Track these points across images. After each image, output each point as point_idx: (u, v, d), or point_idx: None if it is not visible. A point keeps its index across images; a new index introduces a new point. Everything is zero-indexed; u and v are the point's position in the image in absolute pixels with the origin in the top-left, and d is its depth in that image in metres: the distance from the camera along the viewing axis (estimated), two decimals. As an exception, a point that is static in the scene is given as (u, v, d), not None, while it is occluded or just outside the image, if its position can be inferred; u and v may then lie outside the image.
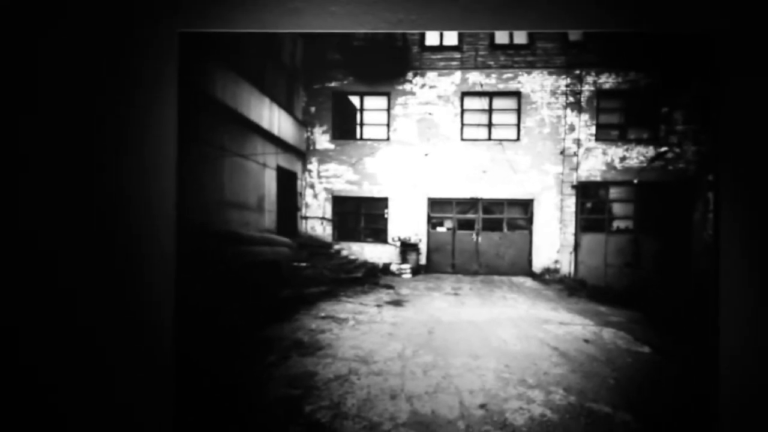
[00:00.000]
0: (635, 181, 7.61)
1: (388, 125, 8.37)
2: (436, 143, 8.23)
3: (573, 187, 7.89)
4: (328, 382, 3.70)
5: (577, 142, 7.93)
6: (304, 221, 8.28)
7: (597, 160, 7.82)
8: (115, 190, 2.55)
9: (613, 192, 7.77)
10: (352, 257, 8.13)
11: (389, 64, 8.34)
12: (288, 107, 8.00)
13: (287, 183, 7.88)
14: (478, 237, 7.98)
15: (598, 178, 7.80)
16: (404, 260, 8.06)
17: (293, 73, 8.29)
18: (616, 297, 6.89)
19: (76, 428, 2.57)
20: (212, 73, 5.49)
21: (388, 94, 8.41)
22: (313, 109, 8.49)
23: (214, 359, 3.84)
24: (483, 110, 8.25)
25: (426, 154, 8.23)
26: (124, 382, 2.55)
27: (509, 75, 8.18)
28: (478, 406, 3.35)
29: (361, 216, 8.38)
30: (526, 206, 8.09)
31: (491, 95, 8.23)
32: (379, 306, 6.11)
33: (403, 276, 7.88)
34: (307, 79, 8.49)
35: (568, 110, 7.98)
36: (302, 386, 3.61)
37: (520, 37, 8.18)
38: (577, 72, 7.94)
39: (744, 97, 2.42)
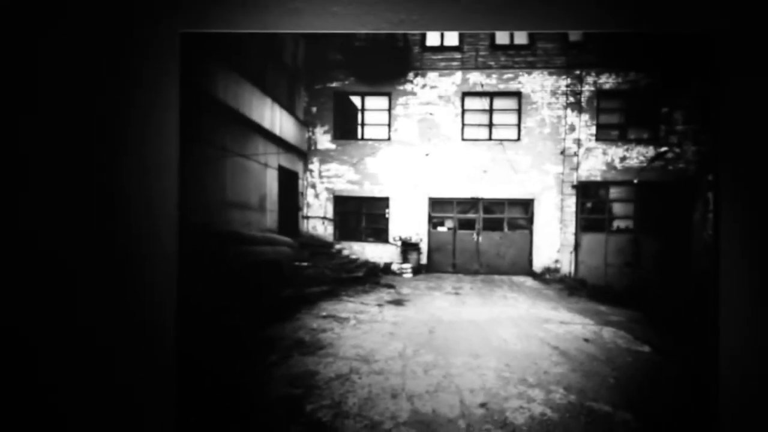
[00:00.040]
0: (635, 181, 7.62)
1: (389, 125, 8.39)
2: (436, 143, 8.25)
3: (573, 186, 7.90)
4: (330, 382, 3.70)
5: (578, 142, 7.94)
6: (305, 221, 8.30)
7: (597, 160, 7.84)
8: (117, 190, 2.54)
9: (613, 192, 7.78)
10: (354, 257, 8.15)
11: (390, 64, 8.36)
12: (289, 107, 8.01)
13: (289, 183, 7.90)
14: (479, 237, 7.99)
15: (599, 178, 7.82)
16: (405, 260, 8.08)
17: (295, 73, 8.30)
18: (616, 296, 6.90)
19: (78, 428, 2.57)
20: (214, 73, 5.50)
21: (389, 95, 8.42)
22: (314, 109, 8.51)
23: (216, 359, 3.85)
24: (484, 110, 8.26)
25: (427, 154, 8.24)
26: (126, 382, 2.55)
27: (510, 75, 8.19)
28: (478, 405, 3.35)
29: (363, 216, 8.40)
30: (526, 206, 8.10)
31: (492, 95, 8.25)
32: (380, 305, 6.12)
33: (404, 275, 7.89)
34: (309, 79, 8.51)
35: (569, 110, 7.99)
36: (303, 385, 3.61)
37: (521, 38, 8.19)
38: (578, 72, 7.96)
39: (744, 97, 2.41)
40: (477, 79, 8.25)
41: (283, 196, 7.51)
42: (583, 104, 7.93)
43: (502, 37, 8.23)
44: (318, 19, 2.51)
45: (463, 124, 8.25)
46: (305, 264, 6.99)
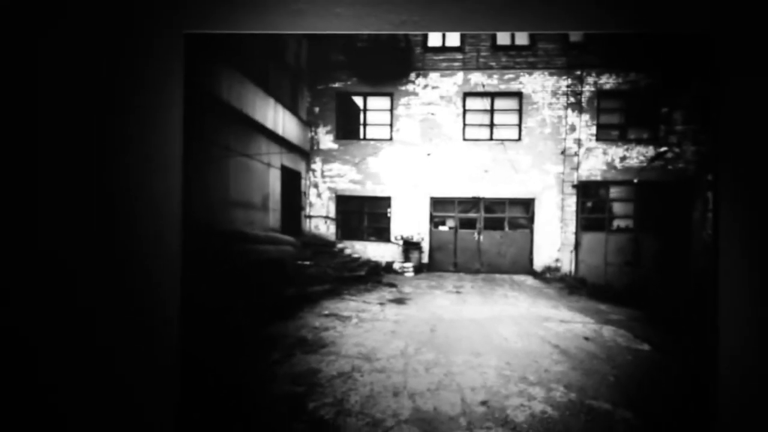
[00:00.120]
0: (635, 180, 7.63)
1: (391, 125, 8.40)
2: (438, 143, 8.26)
3: (574, 186, 7.91)
4: (332, 380, 3.72)
5: (578, 142, 7.95)
6: (308, 220, 8.32)
7: (597, 160, 7.85)
8: (122, 190, 2.55)
9: (614, 191, 7.79)
10: (356, 256, 8.17)
11: (392, 65, 8.38)
12: (292, 108, 8.04)
13: (291, 182, 7.92)
14: (480, 236, 8.01)
15: (599, 178, 7.83)
16: (407, 259, 8.09)
17: (298, 73, 8.32)
18: (616, 295, 6.92)
19: (80, 428, 2.58)
20: (218, 74, 5.52)
21: (391, 95, 8.44)
22: (317, 109, 8.53)
23: (219, 357, 3.87)
24: (485, 110, 8.28)
25: (428, 154, 8.25)
26: (129, 380, 2.55)
27: (511, 76, 8.20)
28: (479, 402, 3.37)
29: (365, 215, 8.41)
30: (527, 205, 8.11)
31: (493, 96, 8.26)
32: (381, 304, 6.13)
33: (406, 274, 7.91)
34: (312, 79, 8.53)
35: (569, 110, 8.01)
36: (306, 383, 3.63)
37: (522, 39, 8.20)
38: (578, 73, 7.97)
39: (744, 97, 2.42)
40: (478, 79, 8.26)
41: (286, 195, 7.53)
42: (584, 104, 7.94)
43: (503, 38, 8.25)
44: (321, 20, 2.53)
45: (465, 124, 8.27)
46: (308, 263, 7.02)
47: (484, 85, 8.25)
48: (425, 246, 8.18)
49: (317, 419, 3.10)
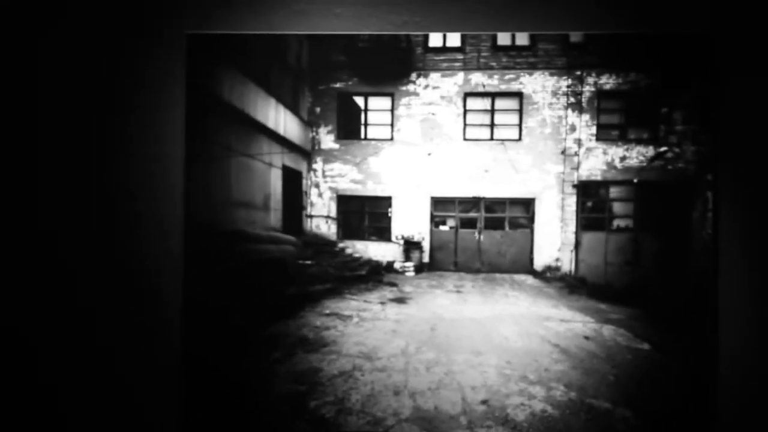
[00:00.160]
0: (635, 180, 7.63)
1: (391, 125, 8.41)
2: (439, 143, 8.27)
3: (574, 186, 7.91)
4: (333, 378, 3.73)
5: (578, 142, 7.95)
6: (309, 220, 8.33)
7: (597, 160, 7.85)
8: (123, 189, 2.56)
9: (614, 191, 7.79)
10: (357, 255, 8.17)
11: (393, 65, 8.38)
12: (293, 108, 8.04)
13: (293, 182, 7.93)
14: (481, 235, 8.01)
15: (599, 178, 7.83)
16: (408, 258, 8.10)
17: (299, 74, 8.33)
18: (616, 295, 6.92)
19: (81, 428, 2.58)
20: (219, 74, 5.53)
21: (392, 95, 8.45)
22: (318, 109, 8.54)
23: (221, 357, 3.88)
24: (485, 111, 8.28)
25: (429, 154, 8.26)
26: (131, 379, 2.56)
27: (511, 76, 8.21)
28: (479, 401, 3.38)
29: (366, 215, 8.42)
30: (527, 205, 8.12)
31: (493, 96, 8.27)
32: (382, 303, 6.14)
33: (407, 274, 7.92)
34: (313, 80, 8.53)
35: (569, 110, 8.01)
36: (307, 382, 3.64)
37: (522, 39, 8.21)
38: (578, 73, 7.97)
39: (744, 97, 2.43)
40: (479, 79, 8.27)
41: (287, 195, 7.54)
42: (584, 104, 7.95)
43: (503, 38, 8.25)
44: (322, 20, 2.54)
45: (465, 124, 8.27)
46: (309, 262, 7.02)
47: (484, 86, 8.25)
48: (426, 245, 8.19)
49: (318, 418, 3.11)
